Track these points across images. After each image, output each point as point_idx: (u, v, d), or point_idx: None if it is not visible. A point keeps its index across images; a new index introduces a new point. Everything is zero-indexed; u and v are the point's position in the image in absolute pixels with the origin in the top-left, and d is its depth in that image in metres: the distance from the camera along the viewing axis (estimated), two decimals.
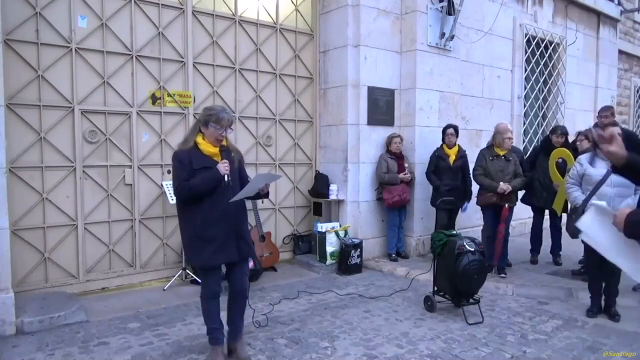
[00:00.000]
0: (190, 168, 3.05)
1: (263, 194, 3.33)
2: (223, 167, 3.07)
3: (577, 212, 4.24)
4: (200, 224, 3.08)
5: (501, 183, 5.22)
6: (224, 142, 3.20)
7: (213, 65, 5.57)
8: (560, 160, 5.34)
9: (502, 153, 5.36)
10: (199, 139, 3.13)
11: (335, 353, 3.48)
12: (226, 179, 3.08)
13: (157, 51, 5.16)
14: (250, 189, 3.13)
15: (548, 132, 6.26)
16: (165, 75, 5.22)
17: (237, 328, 3.37)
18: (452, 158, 5.83)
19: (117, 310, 4.30)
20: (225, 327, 3.38)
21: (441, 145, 5.94)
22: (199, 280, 5.00)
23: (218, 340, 3.28)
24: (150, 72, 5.14)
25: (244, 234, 3.25)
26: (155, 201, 5.22)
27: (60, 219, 4.68)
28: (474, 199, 5.78)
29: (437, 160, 5.87)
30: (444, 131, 5.91)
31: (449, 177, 5.80)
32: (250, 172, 5.89)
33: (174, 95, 5.28)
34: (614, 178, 3.99)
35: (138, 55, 5.03)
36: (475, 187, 5.69)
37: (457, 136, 5.91)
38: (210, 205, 3.07)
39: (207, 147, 3.13)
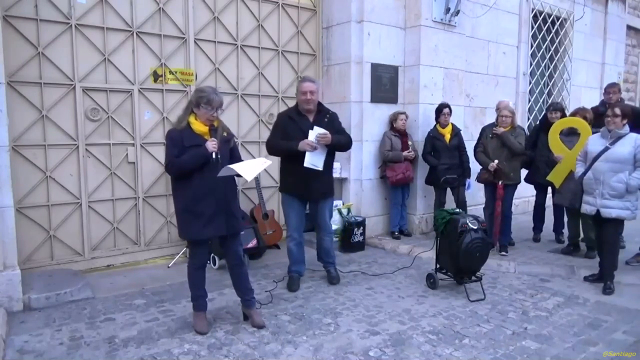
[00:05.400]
0: (181, 146, 3.20)
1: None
2: (211, 144, 3.20)
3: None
4: (190, 198, 3.25)
5: (495, 161, 5.23)
6: (215, 122, 3.31)
7: (214, 41, 5.49)
8: (565, 130, 5.23)
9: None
10: (192, 119, 3.28)
11: (338, 329, 3.52)
12: (214, 156, 3.20)
13: (157, 27, 5.09)
14: (226, 172, 3.19)
15: (544, 110, 6.18)
16: (166, 52, 5.16)
17: (245, 296, 3.55)
18: (447, 137, 5.82)
19: (123, 287, 4.35)
20: (237, 298, 3.62)
21: (434, 125, 5.92)
22: None
23: (202, 307, 3.48)
24: (151, 48, 5.07)
25: (232, 210, 3.39)
26: (158, 179, 5.22)
27: (64, 197, 4.69)
28: (473, 176, 5.80)
29: (433, 140, 5.86)
30: (438, 110, 5.86)
31: (446, 156, 5.79)
32: (253, 149, 5.95)
33: (175, 72, 5.23)
34: (609, 154, 4.17)
35: (138, 32, 4.96)
36: (474, 165, 5.70)
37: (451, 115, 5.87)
38: (199, 181, 3.22)
39: (199, 127, 3.27)
